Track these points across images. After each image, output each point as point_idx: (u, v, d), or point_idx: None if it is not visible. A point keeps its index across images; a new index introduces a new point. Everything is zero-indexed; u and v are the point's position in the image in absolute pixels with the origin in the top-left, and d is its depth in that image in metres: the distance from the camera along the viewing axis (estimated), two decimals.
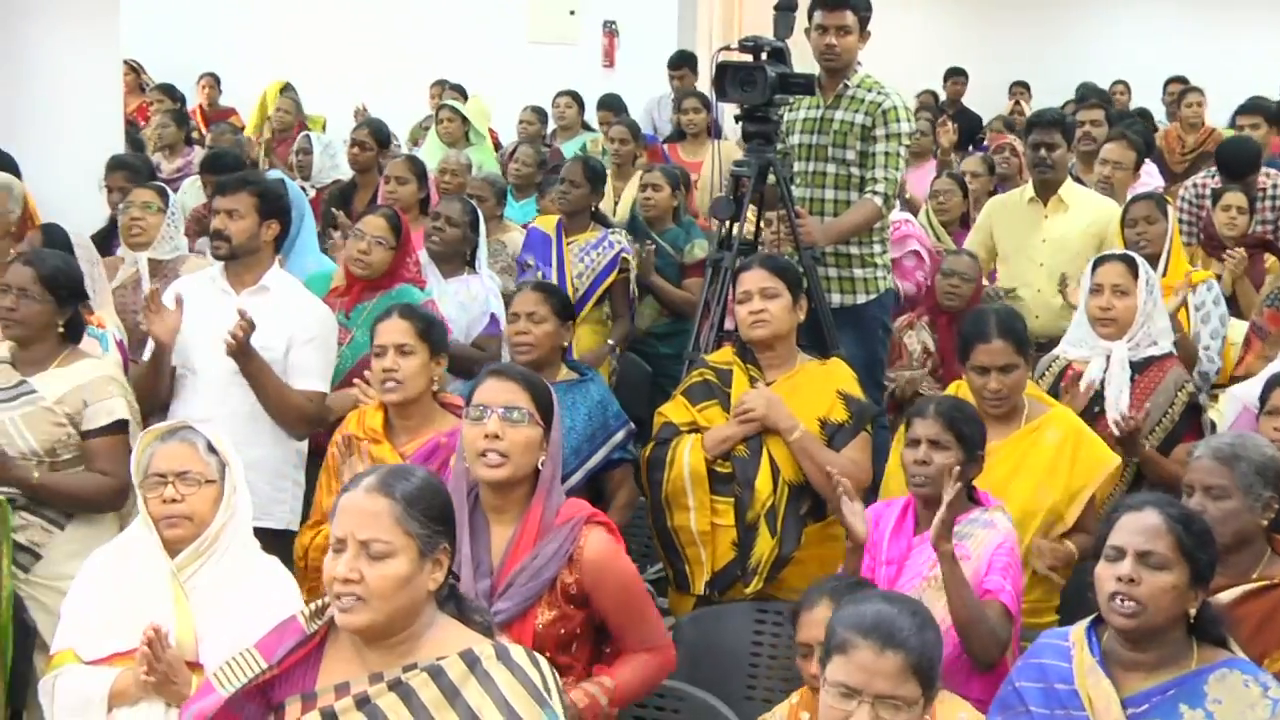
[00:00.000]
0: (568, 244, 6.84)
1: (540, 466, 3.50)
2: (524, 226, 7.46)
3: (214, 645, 3.40)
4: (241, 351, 4.73)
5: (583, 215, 6.94)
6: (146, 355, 5.01)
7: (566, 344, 4.98)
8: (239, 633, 3.31)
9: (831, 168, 5.91)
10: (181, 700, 3.33)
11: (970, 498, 3.99)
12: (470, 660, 2.71)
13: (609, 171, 8.73)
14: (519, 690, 2.70)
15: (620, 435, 4.83)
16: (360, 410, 4.40)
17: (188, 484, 3.49)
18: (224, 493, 3.55)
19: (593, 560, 3.46)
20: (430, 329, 4.32)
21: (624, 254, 6.77)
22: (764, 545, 4.47)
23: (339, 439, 4.34)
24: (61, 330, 4.54)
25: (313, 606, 2.86)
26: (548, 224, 7.04)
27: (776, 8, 5.80)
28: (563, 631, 3.46)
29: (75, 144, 7.08)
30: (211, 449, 3.55)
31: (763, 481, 4.48)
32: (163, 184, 5.88)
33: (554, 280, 6.43)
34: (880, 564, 3.94)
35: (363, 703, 2.71)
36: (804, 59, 5.98)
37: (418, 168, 7.16)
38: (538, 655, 2.80)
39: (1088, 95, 11.73)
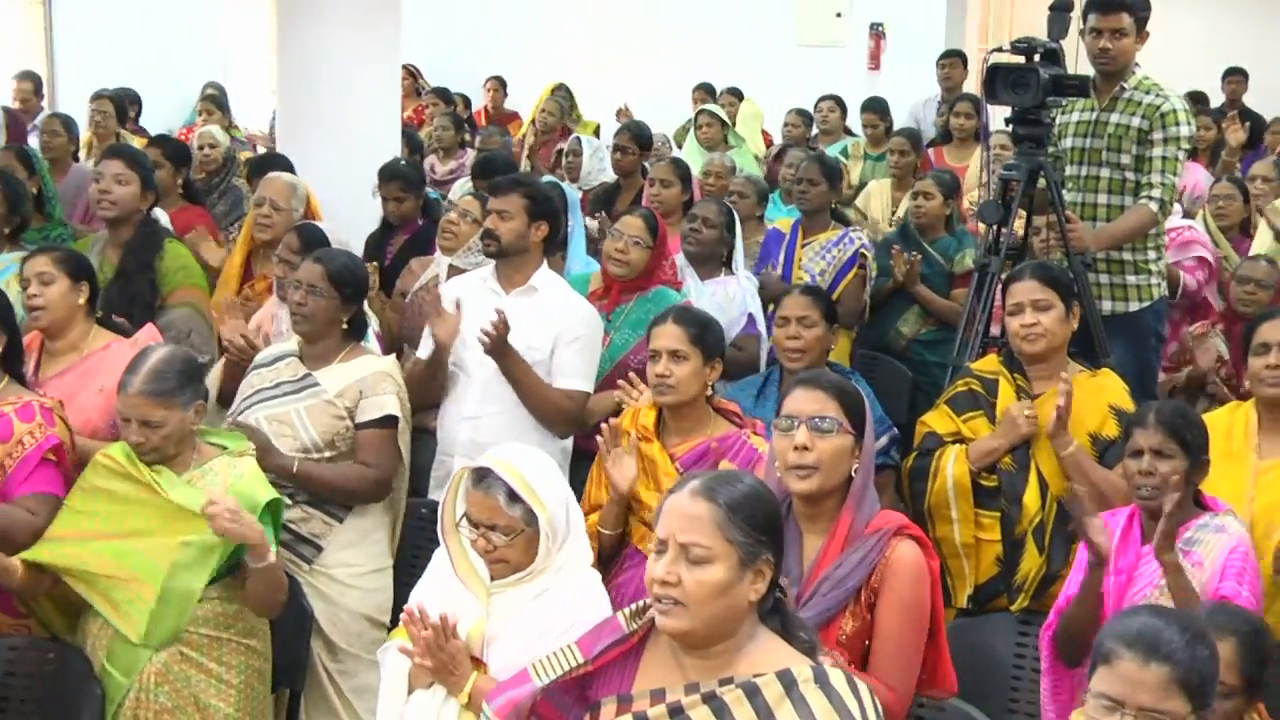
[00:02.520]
0: (806, 243, 6.82)
1: (853, 475, 3.43)
2: None
3: (504, 647, 3.44)
4: (498, 350, 4.82)
5: (822, 214, 6.90)
6: (422, 353, 5.15)
7: (831, 346, 4.95)
8: (533, 636, 3.37)
9: (1105, 172, 5.76)
10: (458, 691, 3.41)
11: (1196, 503, 3.84)
12: (787, 682, 2.65)
13: (889, 182, 8.68)
14: (834, 719, 2.64)
15: (884, 440, 4.78)
16: (635, 407, 4.42)
17: (498, 535, 3.44)
18: (540, 536, 3.45)
19: (893, 570, 3.35)
20: (705, 334, 4.28)
21: (863, 250, 6.72)
22: (1031, 562, 4.36)
23: (607, 429, 4.35)
24: (345, 327, 4.69)
25: (634, 607, 2.87)
26: (786, 224, 7.04)
27: (1051, 8, 5.67)
28: (867, 643, 3.37)
29: (355, 146, 7.26)
30: (514, 497, 3.43)
31: (1031, 496, 4.38)
32: (485, 196, 6.01)
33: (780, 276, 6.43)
34: (1109, 574, 3.79)
35: (676, 712, 2.69)
36: (1078, 59, 5.83)
37: (681, 170, 7.20)
38: (859, 682, 2.70)
39: None
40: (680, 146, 10.52)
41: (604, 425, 4.31)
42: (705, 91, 12.00)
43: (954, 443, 4.50)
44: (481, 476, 3.45)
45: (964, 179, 8.54)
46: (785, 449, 3.42)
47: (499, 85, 12.85)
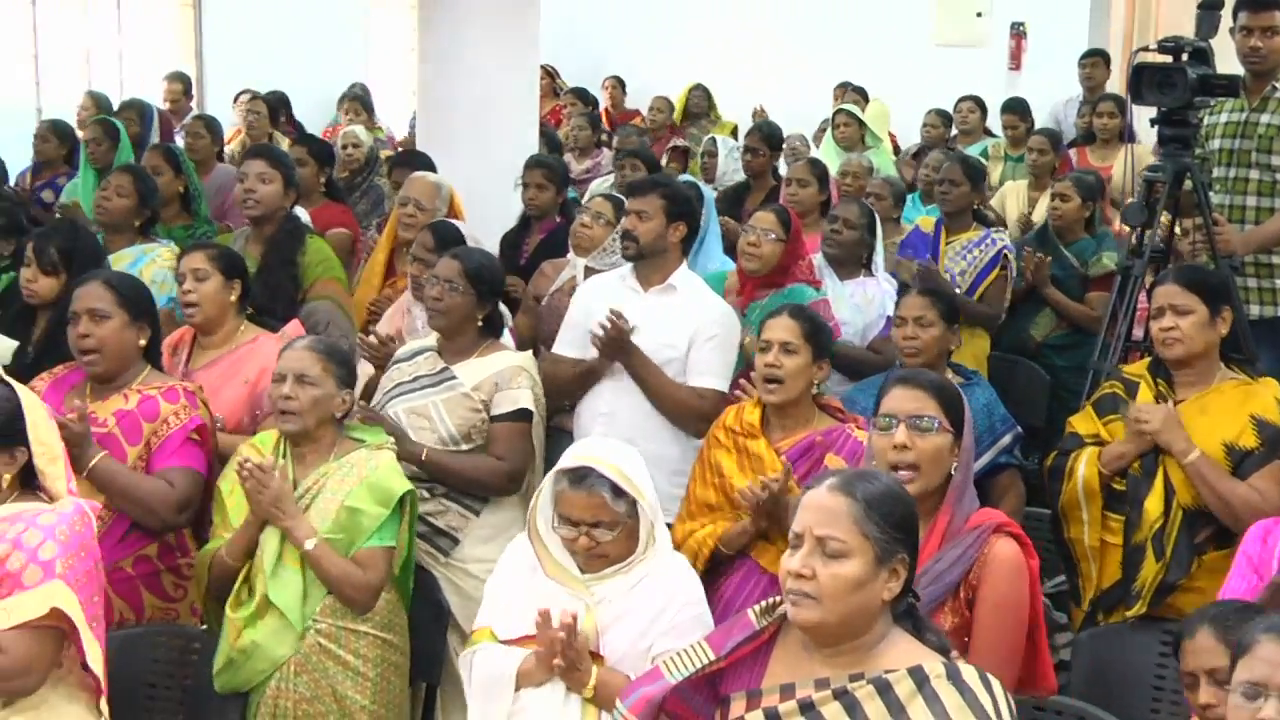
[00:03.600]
0: (947, 243, 6.75)
1: (953, 473, 3.41)
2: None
3: (616, 639, 3.49)
4: (617, 348, 4.85)
5: (964, 214, 6.82)
6: (559, 349, 5.16)
7: (953, 347, 4.90)
8: (644, 622, 3.41)
9: (1254, 174, 5.64)
10: (582, 687, 3.45)
11: None
12: (919, 678, 2.66)
13: (1024, 182, 8.58)
14: (966, 715, 2.62)
15: (1007, 439, 4.72)
16: (739, 405, 4.41)
17: (603, 531, 3.50)
18: (640, 530, 3.54)
19: (993, 567, 3.31)
20: (816, 332, 4.28)
21: (1006, 251, 6.64)
22: (1149, 569, 4.26)
23: (714, 431, 4.36)
24: (481, 323, 4.74)
25: (764, 603, 2.88)
26: (928, 223, 6.97)
27: (1200, 6, 5.56)
28: (965, 640, 3.33)
29: (494, 145, 7.34)
30: (618, 491, 3.52)
31: (1153, 503, 4.27)
32: (618, 197, 6.05)
33: None
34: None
35: (806, 708, 2.70)
36: (1227, 59, 5.71)
37: (818, 170, 7.18)
38: (991, 678, 2.70)
39: None
40: (818, 147, 10.48)
41: (713, 430, 4.30)
42: (844, 90, 11.93)
43: (1094, 444, 4.43)
44: (582, 476, 3.51)
45: (1108, 180, 8.41)
46: (884, 448, 3.40)
47: (617, 85, 12.91)
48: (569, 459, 3.60)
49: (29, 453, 3.44)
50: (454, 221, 5.79)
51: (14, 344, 4.61)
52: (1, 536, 3.32)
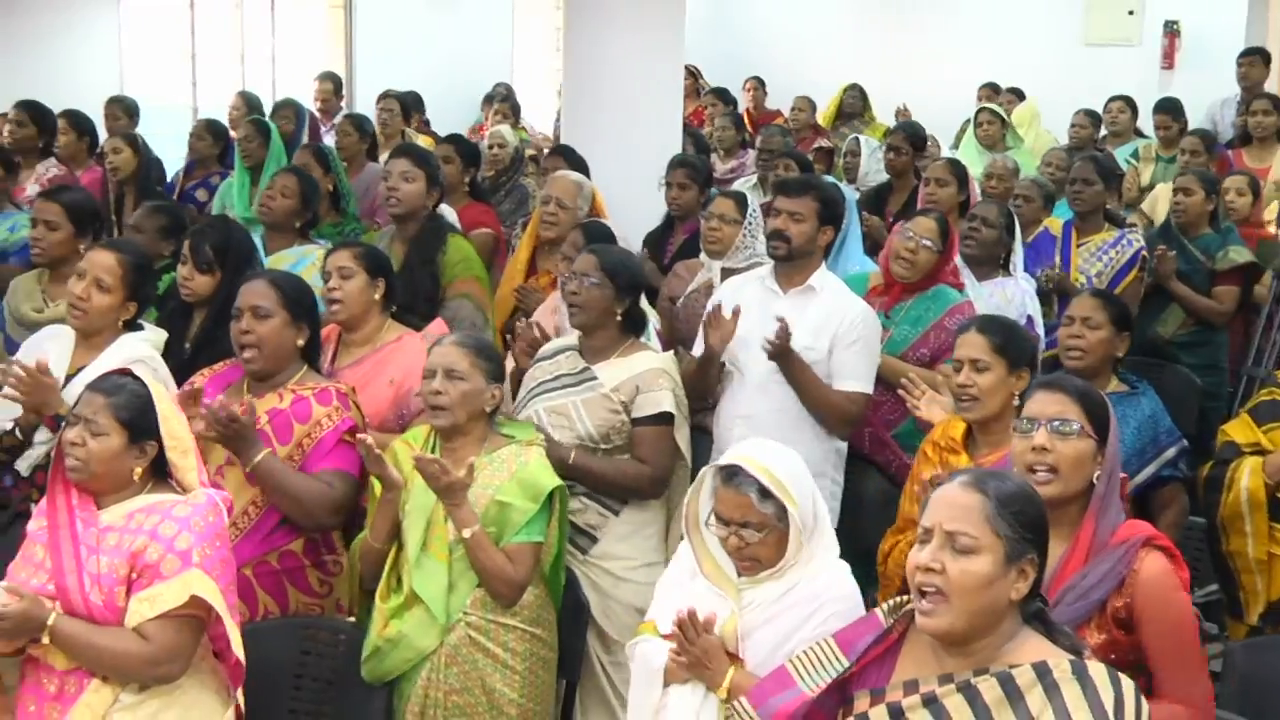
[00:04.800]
0: (1080, 244, 6.63)
1: (1095, 481, 3.35)
2: None
3: (757, 645, 3.45)
4: (781, 355, 4.83)
5: (1096, 214, 6.71)
6: (696, 353, 5.18)
7: (1120, 354, 4.81)
8: (787, 630, 3.38)
9: None
10: (716, 685, 3.44)
11: None
12: (1041, 671, 2.65)
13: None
14: (1084, 710, 2.60)
15: (1171, 452, 4.62)
16: (948, 420, 4.35)
17: (750, 532, 3.46)
18: (790, 532, 3.46)
19: (1147, 586, 3.25)
20: (1009, 343, 4.19)
21: (1142, 252, 6.50)
22: None
23: (923, 447, 4.31)
24: (620, 319, 4.74)
25: (893, 602, 2.89)
26: (1057, 225, 6.86)
27: None
28: (1113, 657, 3.25)
29: (637, 145, 7.34)
30: (765, 494, 3.44)
31: None
32: (742, 194, 6.05)
33: None
34: None
35: (929, 701, 2.71)
36: None
37: (958, 170, 7.12)
38: (1123, 677, 2.67)
39: None
40: (957, 147, 10.36)
41: (924, 447, 4.23)
42: (991, 90, 11.79)
43: (1253, 454, 4.32)
44: (732, 474, 3.47)
45: (1265, 181, 8.21)
46: (1024, 450, 3.36)
47: (758, 85, 12.88)
48: (726, 455, 3.57)
49: (160, 445, 3.52)
50: (603, 221, 5.81)
51: (164, 334, 4.72)
52: (138, 529, 3.42)
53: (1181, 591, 3.31)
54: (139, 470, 3.51)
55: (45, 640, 3.32)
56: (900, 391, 4.65)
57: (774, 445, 3.60)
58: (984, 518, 2.70)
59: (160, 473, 3.56)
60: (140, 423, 3.49)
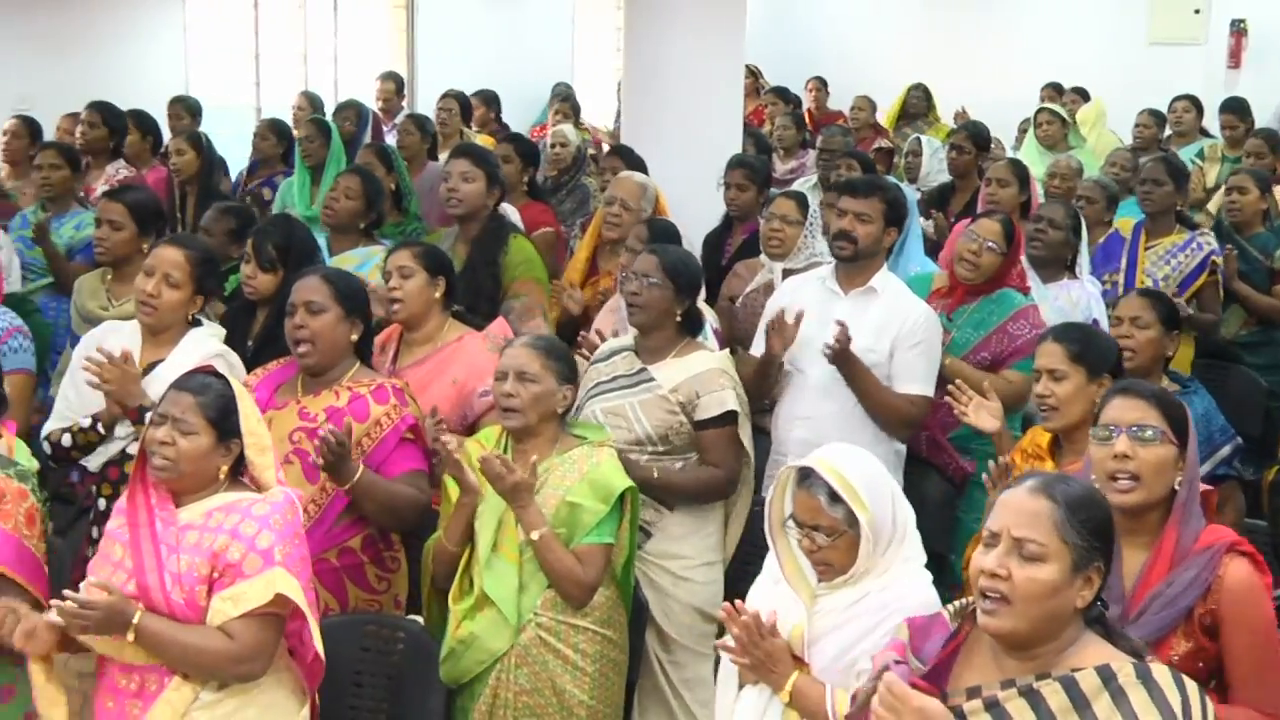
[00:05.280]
0: (1149, 246, 6.57)
1: (1176, 487, 3.30)
2: None
3: (823, 650, 3.42)
4: (841, 358, 4.81)
5: (1166, 216, 6.63)
6: (755, 353, 5.18)
7: (1170, 353, 4.77)
8: (851, 640, 3.35)
9: None
10: (778, 688, 3.40)
11: None
12: (1106, 675, 2.62)
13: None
14: (1153, 715, 2.58)
15: (1226, 450, 4.58)
16: (1035, 428, 4.33)
17: (821, 535, 3.40)
18: (860, 539, 3.36)
19: (1233, 592, 3.20)
20: (1087, 351, 4.14)
21: (1214, 255, 6.44)
22: None
23: (1012, 455, 4.23)
24: (679, 320, 4.74)
25: (958, 604, 2.87)
26: (1126, 226, 6.79)
27: None
28: (1200, 665, 3.22)
29: (698, 145, 7.35)
30: (834, 498, 3.37)
31: None
32: (803, 194, 6.03)
33: (1121, 282, 6.20)
34: None
35: (991, 705, 2.69)
36: None
37: (1019, 171, 7.08)
38: (1187, 679, 2.64)
39: None
40: (1019, 147, 10.29)
41: (1011, 456, 4.17)
42: (1055, 90, 11.70)
43: None
44: (805, 476, 3.42)
45: None
46: (1104, 458, 3.32)
47: (820, 85, 12.84)
48: (807, 457, 3.49)
49: (241, 444, 3.55)
50: (668, 219, 5.81)
51: (222, 330, 4.77)
52: (218, 528, 3.43)
53: (1266, 597, 3.26)
54: (224, 469, 3.54)
55: (130, 637, 3.34)
56: (948, 398, 4.61)
57: (855, 451, 3.53)
58: (1053, 525, 2.67)
59: (235, 471, 3.58)
60: (226, 421, 3.52)
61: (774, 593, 3.54)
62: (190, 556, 3.41)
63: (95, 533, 4.35)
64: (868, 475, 3.41)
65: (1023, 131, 10.57)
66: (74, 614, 3.26)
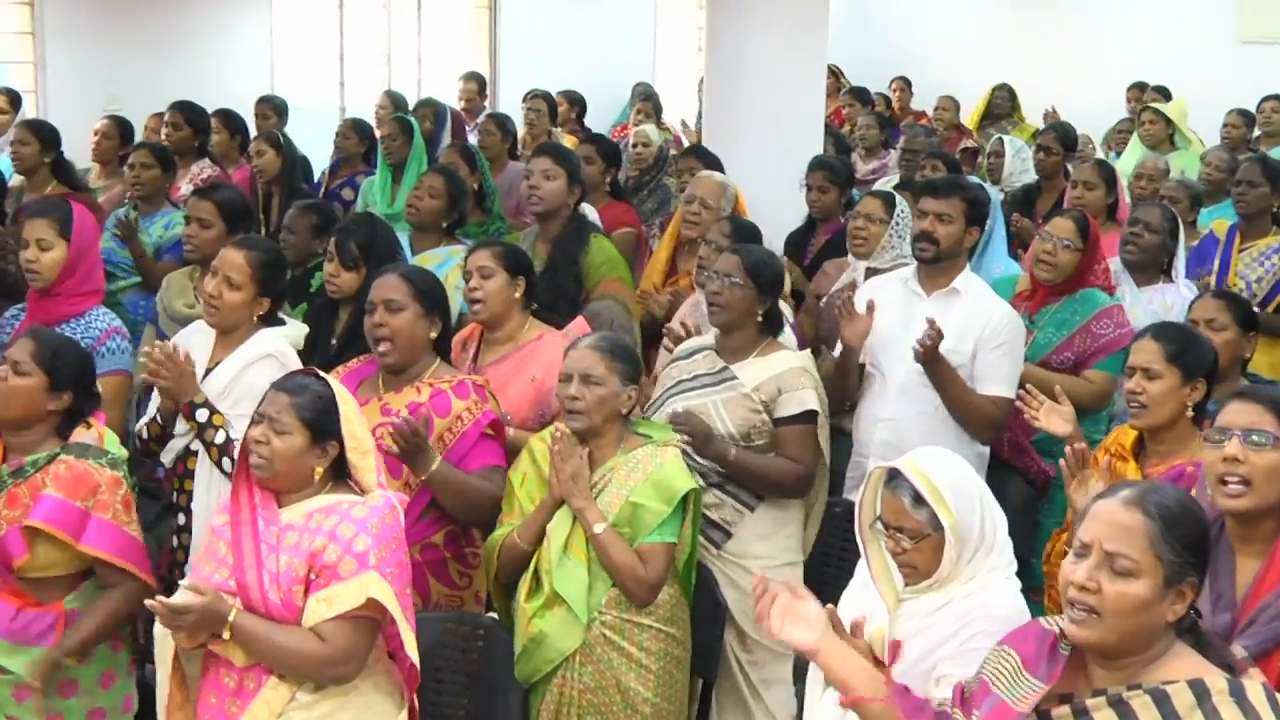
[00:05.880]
0: (1243, 248, 6.48)
1: None
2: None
3: (905, 651, 3.39)
4: (929, 358, 4.79)
5: (1262, 218, 6.52)
6: (837, 353, 5.16)
7: (1247, 355, 4.70)
8: (930, 646, 3.32)
9: None
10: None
11: None
12: (1199, 691, 2.57)
13: None
14: None
15: None
16: (1121, 426, 4.28)
17: (905, 538, 3.38)
18: (945, 543, 3.32)
19: None
20: (1185, 351, 4.05)
21: None
22: None
23: (1094, 453, 4.19)
24: (760, 320, 4.73)
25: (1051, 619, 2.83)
26: (1221, 228, 6.70)
27: None
28: None
29: (780, 144, 7.33)
30: (919, 501, 3.33)
31: None
32: (891, 194, 6.01)
33: (1212, 284, 6.13)
34: None
35: (1080, 713, 2.66)
36: None
37: (1106, 173, 7.02)
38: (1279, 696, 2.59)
39: None
40: (1111, 148, 10.17)
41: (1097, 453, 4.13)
42: (1139, 90, 11.56)
43: None
44: (891, 478, 3.40)
45: None
46: (1215, 461, 3.27)
47: (904, 86, 12.77)
48: (898, 459, 3.47)
49: (341, 446, 3.57)
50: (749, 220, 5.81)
51: (304, 329, 4.81)
52: (317, 529, 3.45)
53: None
54: (320, 470, 3.55)
55: (226, 636, 3.37)
56: (1018, 404, 4.55)
57: (947, 455, 3.49)
58: (1146, 541, 2.61)
59: (339, 473, 3.60)
60: (322, 423, 3.53)
61: (863, 596, 3.52)
62: (289, 556, 3.43)
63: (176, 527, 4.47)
64: (955, 480, 3.36)
65: (1119, 132, 10.42)
66: (168, 616, 3.31)
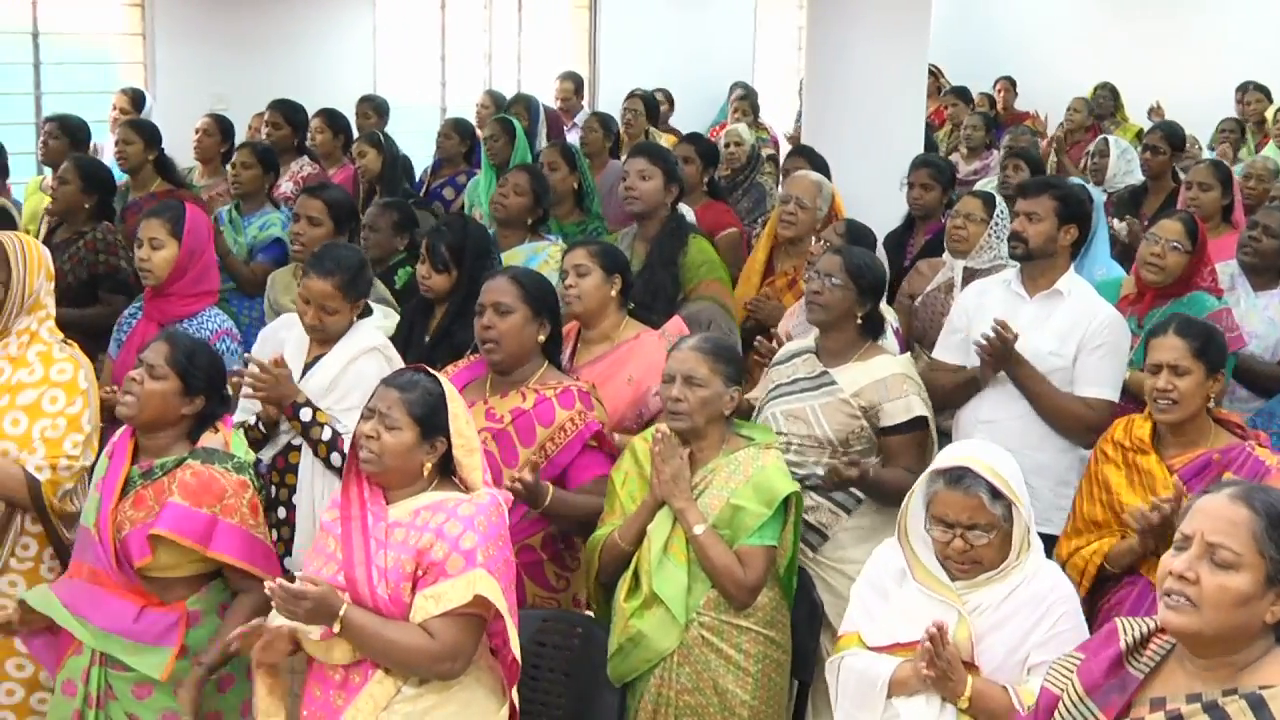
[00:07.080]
0: None
1: None
2: None
3: (991, 649, 3.43)
4: (1002, 360, 4.74)
5: None
6: (938, 354, 5.12)
7: None
8: (1019, 633, 3.34)
9: None
10: (957, 698, 3.39)
11: None
12: None
13: None
14: None
15: None
16: (1129, 418, 4.27)
17: (978, 534, 3.44)
18: (1014, 536, 3.47)
19: None
20: (1207, 346, 4.10)
21: None
22: None
23: (1101, 445, 4.23)
24: (860, 323, 4.70)
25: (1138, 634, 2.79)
26: None
27: None
28: None
29: (879, 144, 7.31)
30: (995, 494, 3.44)
31: None
32: (990, 194, 5.96)
33: None
34: None
35: (1174, 718, 2.63)
36: None
37: (1221, 174, 6.89)
38: None
39: None
40: (1214, 149, 10.00)
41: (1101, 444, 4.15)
42: (1247, 89, 11.36)
43: None
44: (958, 477, 3.46)
45: None
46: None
47: (1009, 86, 12.66)
48: (945, 459, 3.56)
49: (449, 443, 3.59)
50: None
51: (395, 317, 4.85)
52: (424, 526, 3.49)
53: None
54: (428, 466, 3.58)
55: (336, 629, 3.41)
56: None
57: (989, 446, 3.63)
58: (1251, 535, 2.57)
59: (446, 471, 3.63)
60: (431, 419, 3.56)
61: (900, 597, 3.55)
62: (397, 553, 3.47)
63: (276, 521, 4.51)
64: (1012, 469, 3.53)
65: (1223, 131, 10.23)
66: (286, 600, 3.35)
